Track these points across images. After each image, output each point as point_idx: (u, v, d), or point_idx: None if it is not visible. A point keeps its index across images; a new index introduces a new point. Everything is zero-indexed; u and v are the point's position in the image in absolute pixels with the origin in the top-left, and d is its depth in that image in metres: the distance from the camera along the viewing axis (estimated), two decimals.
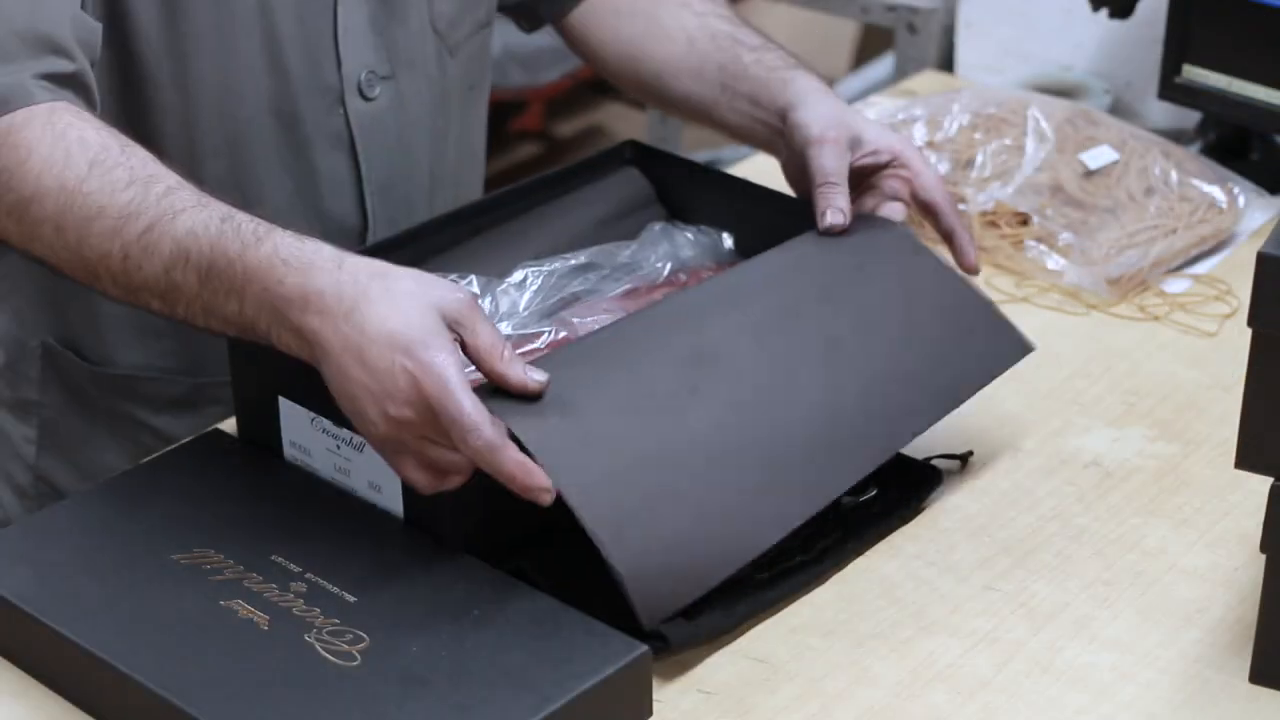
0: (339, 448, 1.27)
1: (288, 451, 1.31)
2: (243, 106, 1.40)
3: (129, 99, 1.37)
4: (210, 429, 1.37)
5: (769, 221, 1.45)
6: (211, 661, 1.12)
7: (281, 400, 1.30)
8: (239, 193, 1.41)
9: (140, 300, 1.22)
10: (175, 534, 1.23)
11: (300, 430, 1.30)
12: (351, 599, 1.17)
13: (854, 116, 1.44)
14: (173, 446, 1.36)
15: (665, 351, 1.27)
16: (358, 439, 1.25)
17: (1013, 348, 1.42)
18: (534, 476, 1.12)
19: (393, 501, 1.25)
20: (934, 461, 1.37)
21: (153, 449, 1.46)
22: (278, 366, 1.24)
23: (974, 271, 1.43)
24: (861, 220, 1.42)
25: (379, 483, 1.26)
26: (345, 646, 1.13)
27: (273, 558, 1.20)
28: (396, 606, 1.16)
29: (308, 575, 1.19)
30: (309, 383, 1.21)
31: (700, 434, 1.23)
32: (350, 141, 1.46)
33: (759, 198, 1.50)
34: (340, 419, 1.22)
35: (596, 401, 1.21)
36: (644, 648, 1.11)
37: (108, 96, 1.35)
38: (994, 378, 1.40)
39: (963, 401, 1.37)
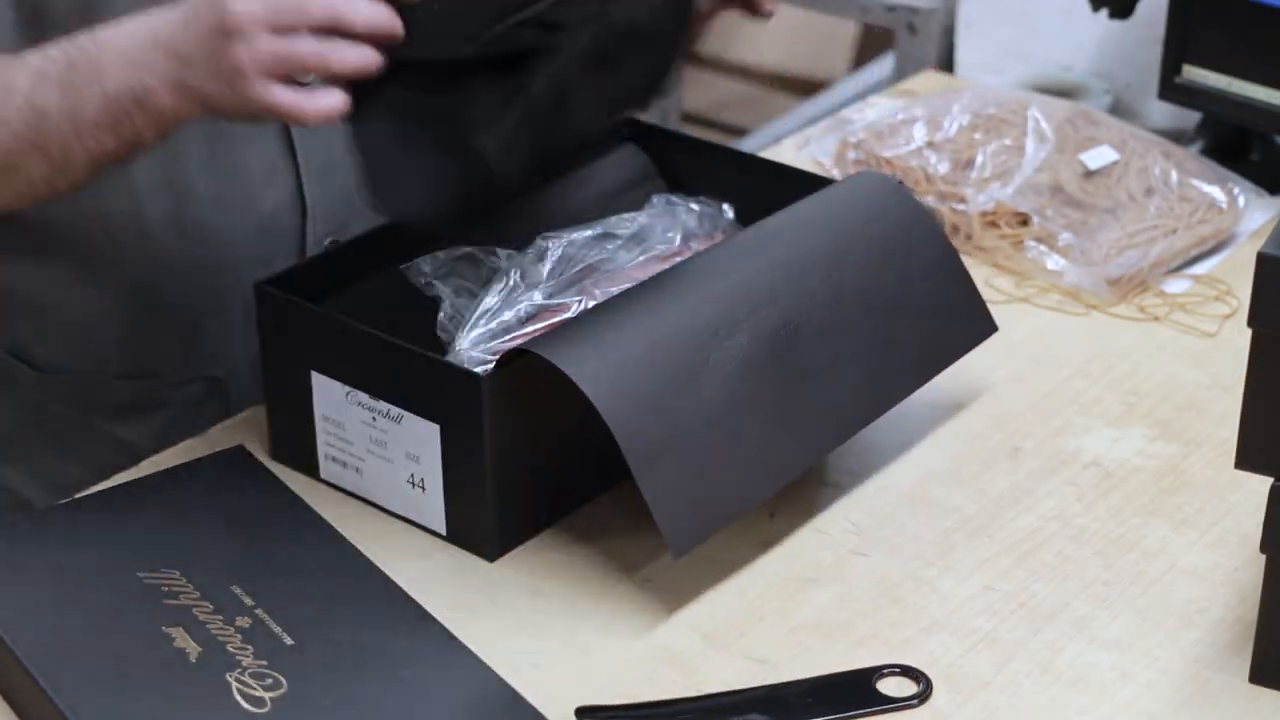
0: (375, 420, 1.30)
1: (319, 427, 1.34)
2: None
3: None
4: (236, 445, 1.38)
5: (766, 191, 1.48)
6: (125, 687, 1.13)
7: (314, 375, 1.32)
8: (171, 193, 1.41)
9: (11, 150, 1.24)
10: (150, 550, 1.24)
11: (334, 405, 1.32)
12: (289, 642, 1.17)
13: None
14: (196, 459, 1.37)
15: (690, 298, 1.31)
16: (395, 410, 1.28)
17: (982, 326, 1.46)
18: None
19: (431, 470, 1.28)
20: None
21: (112, 459, 1.43)
22: (311, 341, 1.27)
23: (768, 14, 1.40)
24: (865, 178, 1.47)
25: (417, 453, 1.29)
26: (260, 691, 1.13)
27: (231, 587, 1.21)
28: (329, 656, 1.16)
29: (257, 610, 1.19)
30: (344, 356, 1.26)
31: (721, 374, 1.27)
32: (284, 128, 1.44)
33: (754, 168, 1.54)
34: (377, 391, 1.27)
35: (628, 336, 1.26)
36: None
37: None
38: (964, 354, 1.45)
39: (937, 374, 1.42)
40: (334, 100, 1.19)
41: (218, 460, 1.36)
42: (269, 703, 1.12)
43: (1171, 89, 1.84)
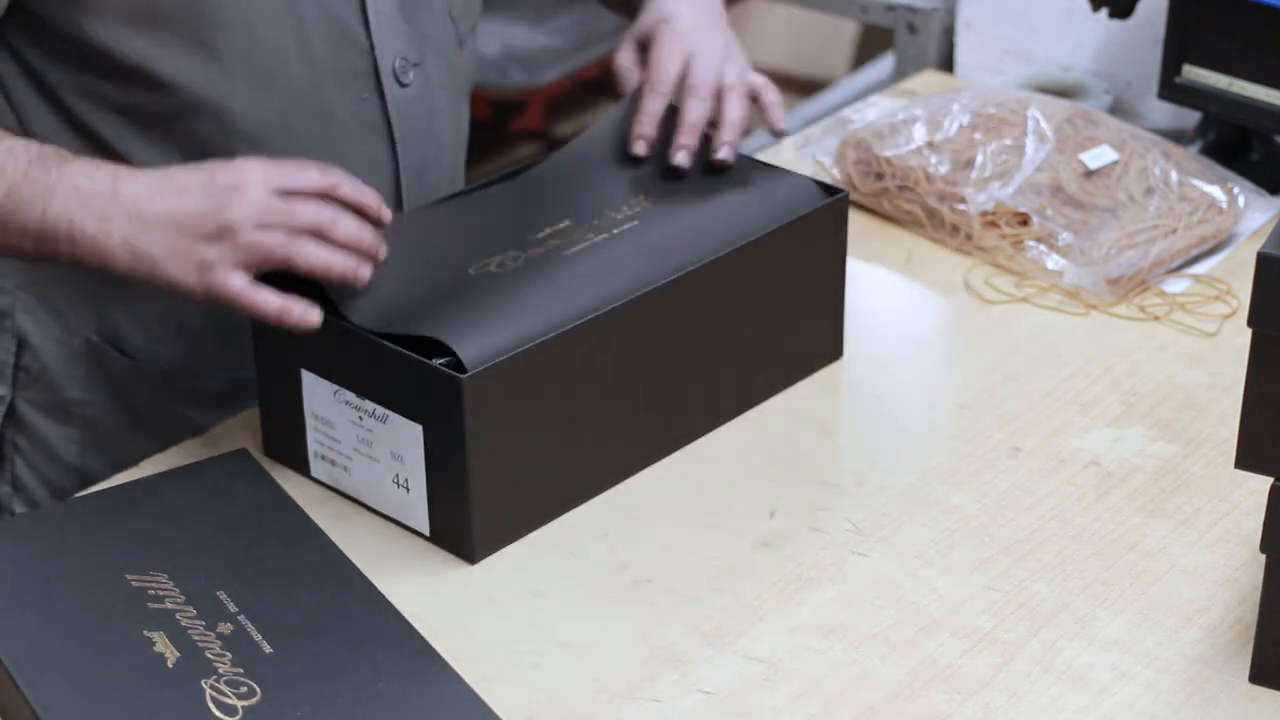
0: (361, 419, 1.31)
1: (309, 425, 1.35)
2: (273, 97, 1.40)
3: (162, 103, 1.38)
4: (239, 449, 1.38)
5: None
6: (100, 689, 1.14)
7: (304, 373, 1.33)
8: None
9: None
10: (141, 553, 1.25)
11: (323, 403, 1.33)
12: (268, 650, 1.17)
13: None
14: (198, 460, 1.37)
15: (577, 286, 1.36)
16: (380, 410, 1.29)
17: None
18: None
19: (415, 471, 1.29)
20: None
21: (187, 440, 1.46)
22: (301, 340, 1.28)
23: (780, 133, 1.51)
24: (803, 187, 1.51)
25: (401, 454, 1.29)
26: (234, 699, 1.13)
27: (217, 592, 1.22)
28: (306, 665, 1.17)
29: (240, 616, 1.20)
30: (333, 355, 1.27)
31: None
32: (387, 127, 1.47)
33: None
34: (364, 390, 1.28)
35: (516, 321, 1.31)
36: None
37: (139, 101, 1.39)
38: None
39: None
40: (299, 311, 1.27)
41: (219, 463, 1.36)
42: (241, 710, 1.12)
43: (1171, 89, 1.83)
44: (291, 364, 1.34)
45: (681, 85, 1.47)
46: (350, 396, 1.31)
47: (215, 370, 1.50)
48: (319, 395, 1.34)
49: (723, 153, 1.46)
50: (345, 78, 1.43)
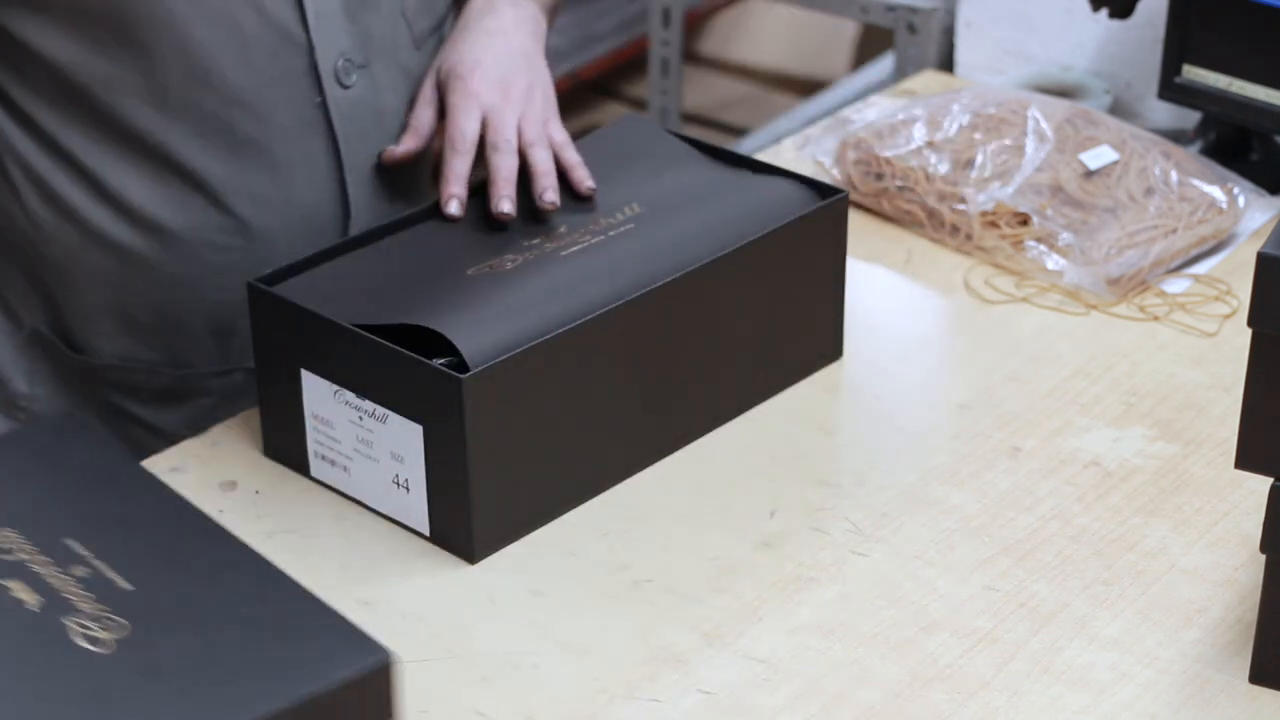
0: (361, 419, 1.31)
1: (309, 425, 1.35)
2: (209, 97, 1.40)
3: (103, 94, 1.39)
4: (67, 413, 1.38)
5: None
6: None
7: (304, 373, 1.33)
8: (213, 182, 1.42)
9: None
10: None
11: (323, 403, 1.33)
12: (128, 587, 1.17)
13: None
14: (17, 427, 1.40)
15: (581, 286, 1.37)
16: (380, 410, 1.30)
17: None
18: None
19: (415, 471, 1.29)
20: None
21: (144, 441, 1.48)
22: (302, 340, 1.29)
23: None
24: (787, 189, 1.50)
25: (401, 454, 1.30)
26: (103, 633, 1.14)
27: (66, 541, 1.21)
28: (170, 599, 1.17)
29: (95, 561, 1.20)
30: (333, 355, 1.27)
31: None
32: (329, 129, 1.46)
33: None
34: (364, 390, 1.29)
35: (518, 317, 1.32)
36: (386, 656, 1.12)
37: (77, 93, 1.38)
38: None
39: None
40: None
41: (52, 424, 1.35)
42: (112, 643, 1.13)
43: (1171, 89, 1.83)
44: (291, 364, 1.35)
45: (483, 142, 1.46)
46: (350, 396, 1.31)
47: (162, 366, 1.50)
48: (319, 395, 1.34)
49: (548, 196, 1.44)
50: (284, 78, 1.42)
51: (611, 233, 1.41)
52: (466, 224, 1.43)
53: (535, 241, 1.40)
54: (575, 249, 1.39)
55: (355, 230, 1.49)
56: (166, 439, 1.46)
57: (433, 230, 1.42)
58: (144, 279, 1.45)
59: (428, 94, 1.50)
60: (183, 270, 1.45)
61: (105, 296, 1.46)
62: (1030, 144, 1.74)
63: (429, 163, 1.58)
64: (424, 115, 1.49)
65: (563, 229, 1.42)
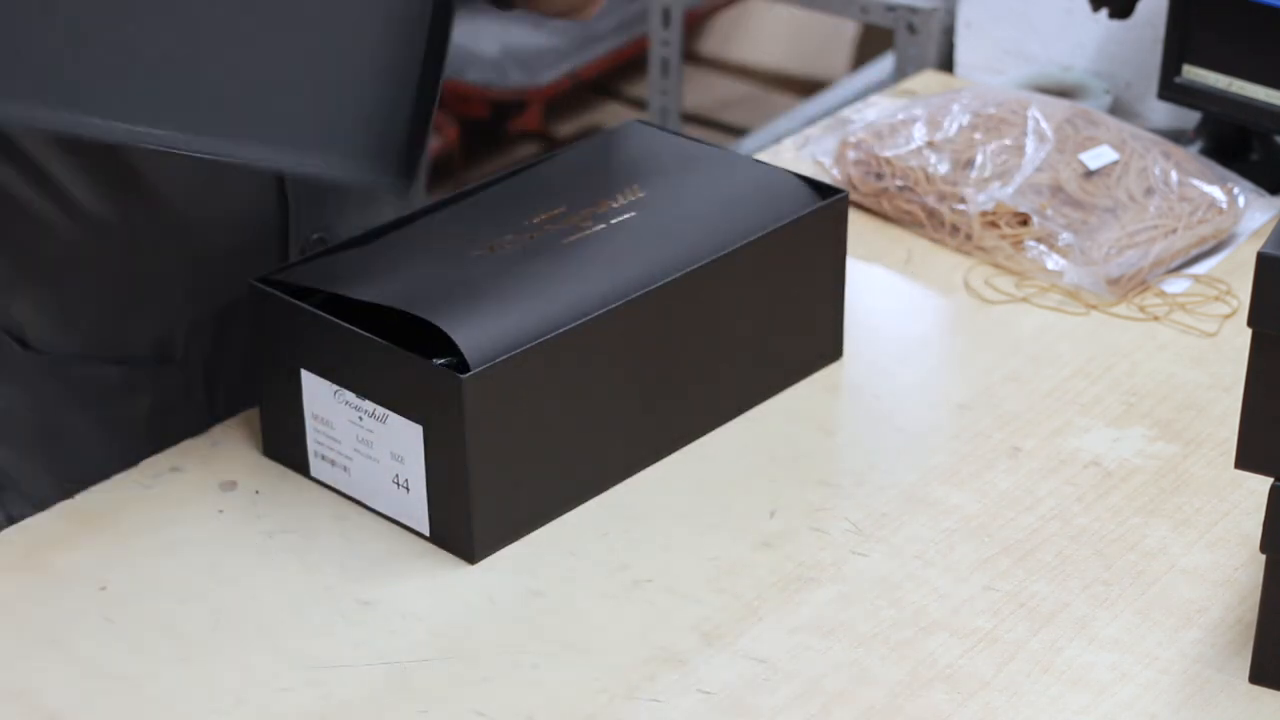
0: (361, 419, 1.31)
1: (309, 425, 1.35)
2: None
3: None
4: None
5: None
6: None
7: (304, 373, 1.33)
8: (136, 189, 1.39)
9: None
10: None
11: (322, 403, 1.33)
12: None
13: None
14: None
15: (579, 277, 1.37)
16: (380, 410, 1.29)
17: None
18: None
19: (415, 471, 1.29)
20: None
21: (114, 448, 1.44)
22: (301, 339, 1.29)
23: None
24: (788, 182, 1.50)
25: (401, 454, 1.29)
26: None
27: None
28: None
29: None
30: (332, 355, 1.27)
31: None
32: None
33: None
34: (364, 390, 1.29)
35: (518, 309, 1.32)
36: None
37: None
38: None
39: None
40: None
41: None
42: None
43: (1171, 89, 1.83)
44: (291, 364, 1.35)
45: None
46: (350, 396, 1.31)
47: (110, 361, 1.47)
48: (319, 395, 1.34)
49: None
50: None
51: (613, 220, 1.41)
52: (467, 213, 1.43)
53: (537, 221, 1.40)
54: (576, 236, 1.38)
55: (297, 229, 1.47)
56: (124, 437, 1.43)
57: (433, 224, 1.42)
58: (84, 269, 1.43)
59: None
60: (121, 262, 1.42)
61: (56, 288, 1.43)
62: (1030, 144, 1.74)
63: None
64: None
65: (562, 209, 1.42)
